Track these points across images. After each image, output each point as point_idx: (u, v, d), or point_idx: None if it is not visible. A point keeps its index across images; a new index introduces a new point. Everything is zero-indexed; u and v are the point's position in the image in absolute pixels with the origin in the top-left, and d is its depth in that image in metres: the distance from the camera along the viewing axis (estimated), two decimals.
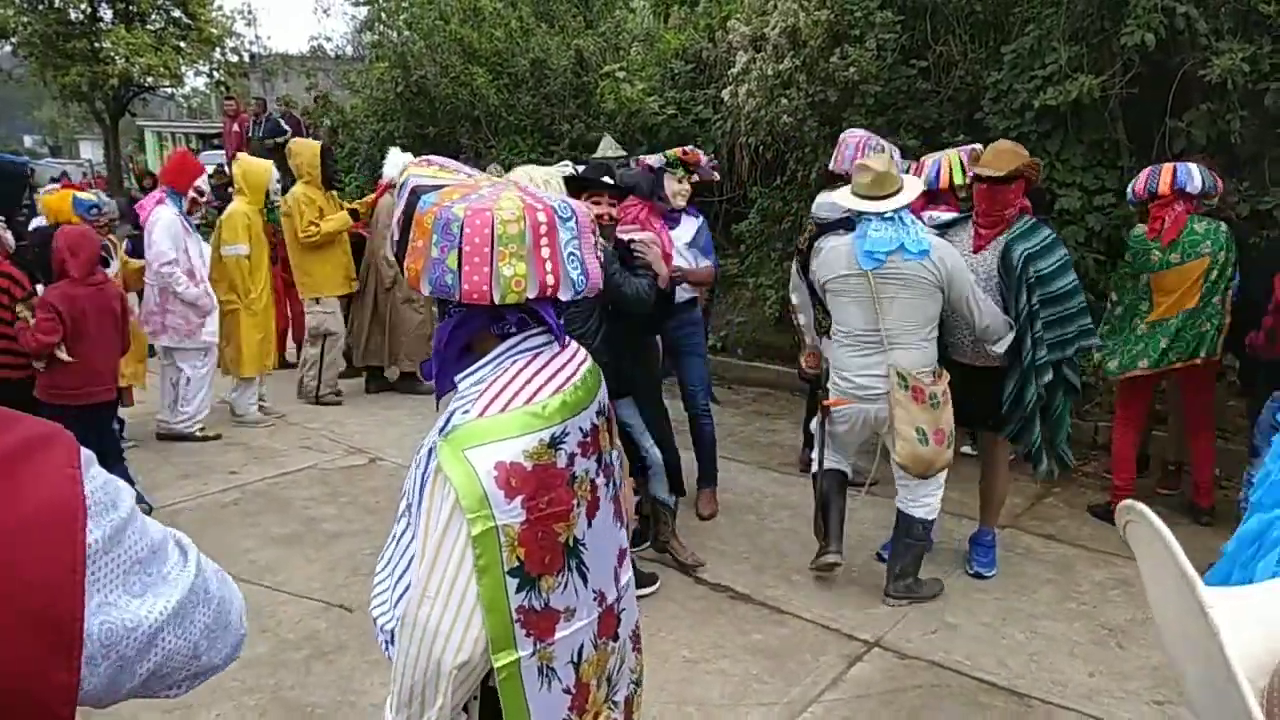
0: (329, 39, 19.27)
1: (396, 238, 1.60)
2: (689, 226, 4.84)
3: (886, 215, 3.67)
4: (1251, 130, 5.26)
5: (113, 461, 4.56)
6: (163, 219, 5.82)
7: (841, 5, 6.66)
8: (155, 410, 6.22)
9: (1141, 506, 0.79)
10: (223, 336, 6.17)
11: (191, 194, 6.12)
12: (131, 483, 4.50)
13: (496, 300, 1.47)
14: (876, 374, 3.73)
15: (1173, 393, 5.07)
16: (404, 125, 10.52)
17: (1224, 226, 4.50)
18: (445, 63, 9.97)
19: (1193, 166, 4.50)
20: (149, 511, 4.55)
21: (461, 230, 1.46)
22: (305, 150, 6.85)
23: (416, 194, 1.55)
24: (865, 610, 3.89)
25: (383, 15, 11.21)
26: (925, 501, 3.88)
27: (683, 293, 4.66)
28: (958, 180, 4.56)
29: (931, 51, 6.63)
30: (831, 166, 4.75)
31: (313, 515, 4.86)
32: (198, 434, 6.07)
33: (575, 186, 3.67)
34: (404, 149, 9.91)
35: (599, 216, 3.63)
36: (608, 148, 6.47)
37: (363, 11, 12.11)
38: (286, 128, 12.76)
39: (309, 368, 6.97)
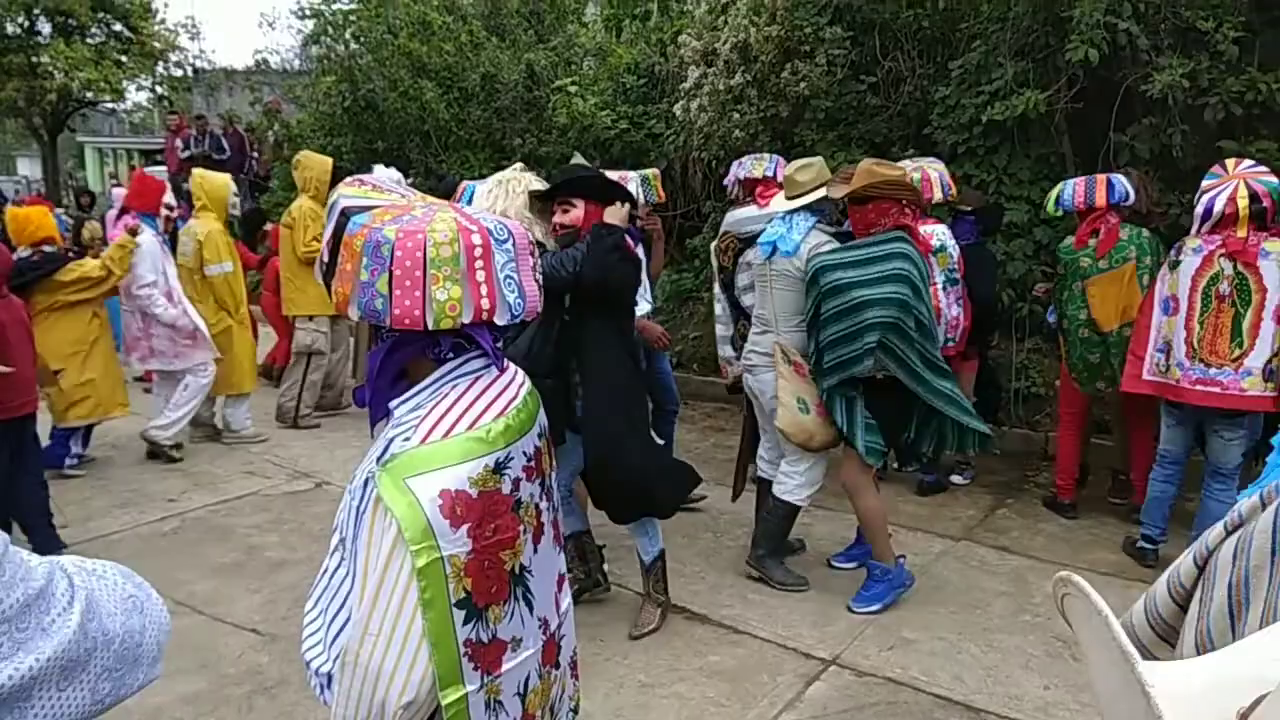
0: (276, 52, 18.98)
1: (325, 260, 1.53)
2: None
3: (782, 216, 4.11)
4: (1192, 144, 5.37)
5: (34, 482, 4.48)
6: (142, 243, 5.68)
7: (792, 21, 6.70)
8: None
9: (1078, 580, 0.76)
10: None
11: (164, 211, 6.08)
12: (47, 510, 4.41)
13: (429, 325, 1.42)
14: (759, 350, 4.19)
15: (1116, 401, 5.15)
16: (352, 140, 10.39)
17: (1146, 232, 4.63)
18: (394, 77, 9.87)
19: (1122, 178, 4.64)
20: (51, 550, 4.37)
21: (392, 253, 1.40)
22: (316, 164, 6.64)
23: (346, 215, 1.49)
24: (822, 627, 3.86)
25: (329, 29, 11.06)
26: (783, 480, 4.12)
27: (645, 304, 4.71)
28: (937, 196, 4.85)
29: (880, 67, 6.70)
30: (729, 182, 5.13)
31: (255, 543, 4.71)
32: (173, 452, 5.96)
33: (543, 195, 3.53)
34: (354, 164, 9.84)
35: (555, 226, 3.46)
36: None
37: (308, 25, 11.93)
38: (227, 145, 12.55)
39: (288, 387, 6.76)
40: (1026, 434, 6.02)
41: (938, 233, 4.76)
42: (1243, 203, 3.91)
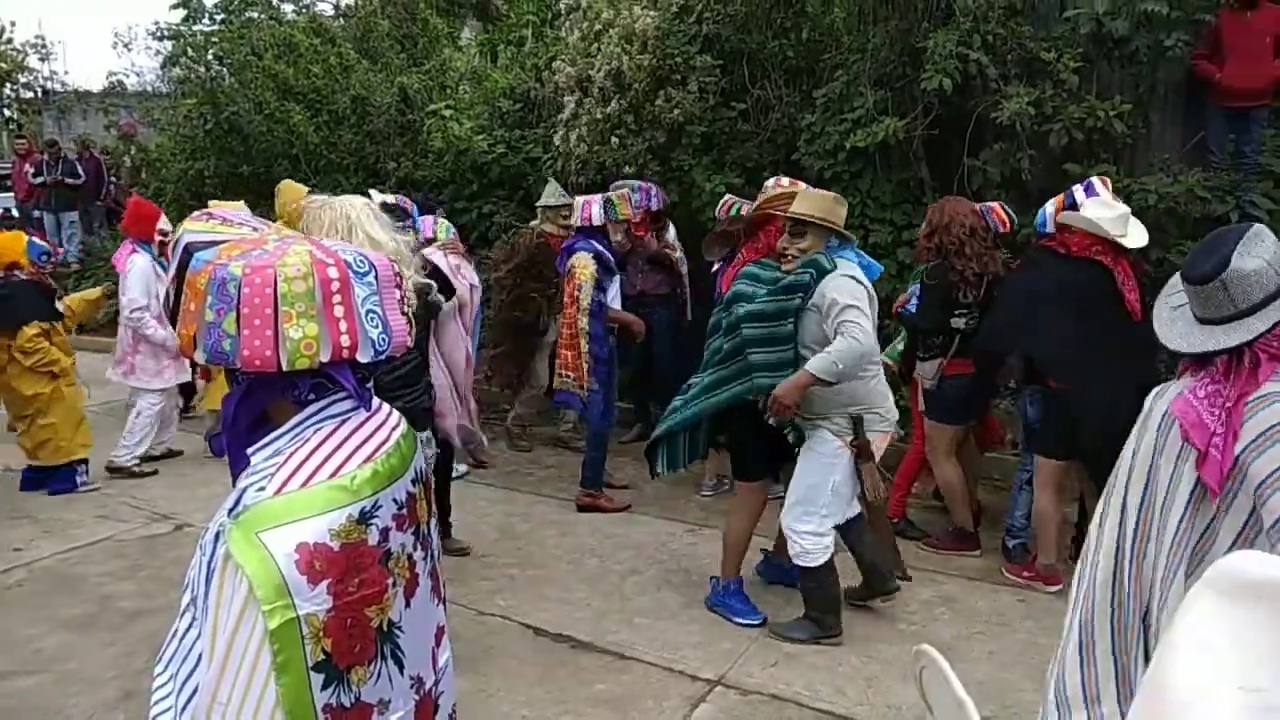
0: (136, 74, 18.02)
1: (171, 301, 1.44)
2: None
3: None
4: (1039, 168, 5.70)
5: None
6: (137, 266, 6.08)
7: (663, 50, 6.81)
8: None
9: (930, 651, 0.79)
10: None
11: (158, 238, 6.29)
12: None
13: (284, 366, 1.34)
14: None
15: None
16: (215, 164, 9.98)
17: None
18: (259, 99, 9.54)
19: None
20: None
21: (239, 290, 1.32)
22: (291, 192, 6.35)
23: (190, 252, 1.41)
24: (707, 648, 3.87)
25: (189, 50, 10.62)
26: None
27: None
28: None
29: (750, 95, 6.86)
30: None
31: (109, 593, 4.41)
32: (136, 469, 6.17)
33: None
34: (217, 188, 9.46)
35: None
36: (551, 195, 6.28)
37: (167, 46, 11.43)
38: (82, 171, 11.91)
39: None
40: (898, 447, 6.23)
41: None
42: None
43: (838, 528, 3.91)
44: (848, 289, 3.63)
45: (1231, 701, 0.57)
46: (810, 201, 3.83)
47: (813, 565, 3.80)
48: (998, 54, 5.70)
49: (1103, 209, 4.17)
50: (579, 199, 5.53)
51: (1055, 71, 5.53)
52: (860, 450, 3.77)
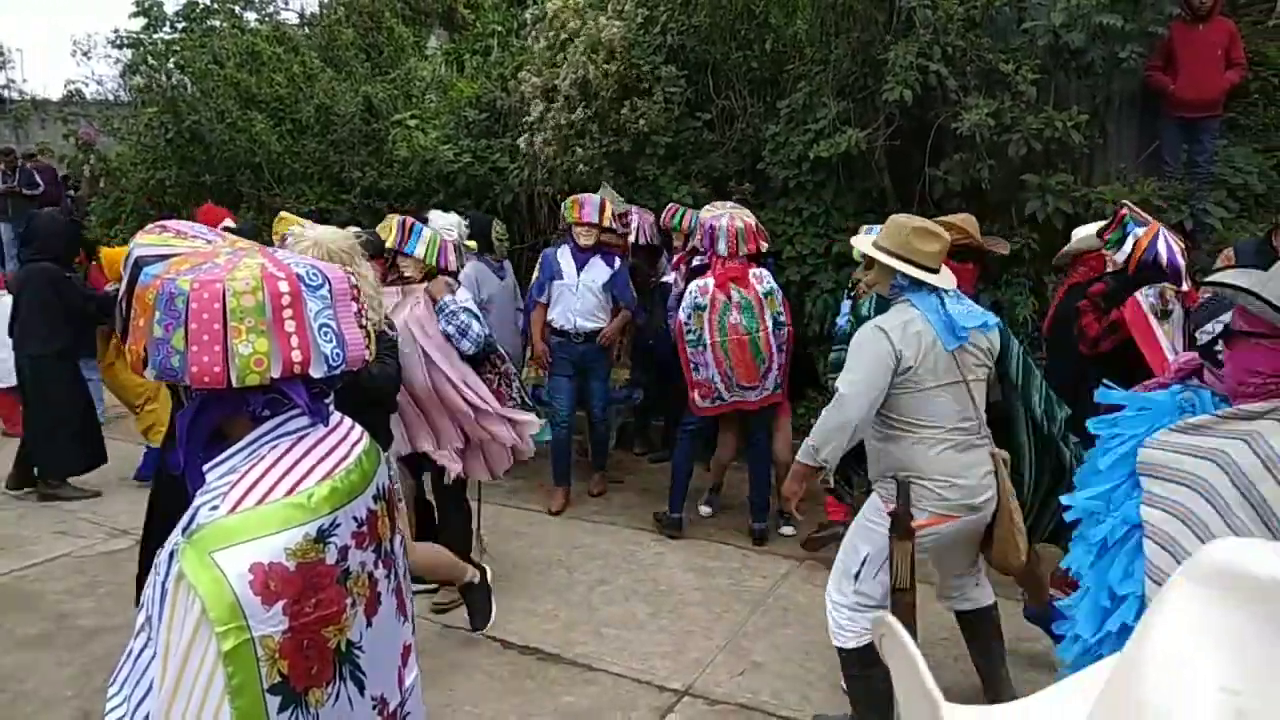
0: (97, 82, 17.75)
1: (122, 315, 1.43)
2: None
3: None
4: (998, 177, 5.78)
5: None
6: None
7: (629, 59, 6.84)
8: None
9: (892, 621, 0.79)
10: None
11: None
12: None
13: (233, 382, 1.32)
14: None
15: None
16: (176, 173, 9.85)
17: None
18: (221, 108, 9.44)
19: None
20: None
21: (187, 305, 1.30)
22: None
23: (140, 266, 1.39)
24: (675, 658, 3.88)
25: (149, 58, 10.48)
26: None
27: (586, 323, 5.58)
28: None
29: (715, 105, 6.91)
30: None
31: (66, 610, 4.33)
32: None
33: None
34: (179, 198, 9.33)
35: None
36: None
37: (127, 54, 11.27)
38: (40, 180, 11.73)
39: None
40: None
41: (765, 276, 5.03)
42: None
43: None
44: (859, 341, 3.03)
45: (1209, 701, 0.55)
46: (884, 230, 3.16)
47: (844, 646, 3.16)
48: (957, 66, 5.77)
49: None
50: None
51: (1013, 83, 5.61)
52: (895, 520, 2.99)
